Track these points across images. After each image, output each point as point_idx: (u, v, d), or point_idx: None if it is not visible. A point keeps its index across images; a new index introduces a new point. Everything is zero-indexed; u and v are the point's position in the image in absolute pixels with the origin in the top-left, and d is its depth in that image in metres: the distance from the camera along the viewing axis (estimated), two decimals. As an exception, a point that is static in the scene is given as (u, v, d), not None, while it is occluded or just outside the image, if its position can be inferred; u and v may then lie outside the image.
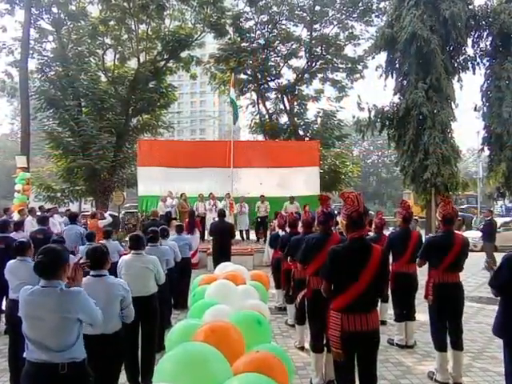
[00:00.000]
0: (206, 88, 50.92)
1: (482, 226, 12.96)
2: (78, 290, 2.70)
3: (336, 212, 4.68)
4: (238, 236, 12.80)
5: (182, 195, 13.59)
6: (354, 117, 19.79)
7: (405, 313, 5.50)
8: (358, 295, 3.04)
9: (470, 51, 19.20)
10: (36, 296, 2.62)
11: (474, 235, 15.26)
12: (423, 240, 5.38)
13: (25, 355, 2.64)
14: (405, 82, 18.67)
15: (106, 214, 11.04)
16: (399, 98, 18.96)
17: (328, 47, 22.01)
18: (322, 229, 4.26)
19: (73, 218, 8.82)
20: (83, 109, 18.99)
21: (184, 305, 6.99)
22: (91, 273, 3.40)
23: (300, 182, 14.96)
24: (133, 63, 21.35)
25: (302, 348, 5.39)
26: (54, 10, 19.10)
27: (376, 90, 32.65)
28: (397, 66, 19.16)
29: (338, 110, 22.15)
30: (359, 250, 3.13)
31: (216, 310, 3.48)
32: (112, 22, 19.77)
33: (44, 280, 2.65)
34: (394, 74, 19.39)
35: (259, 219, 13.87)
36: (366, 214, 3.18)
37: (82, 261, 3.19)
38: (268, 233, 11.02)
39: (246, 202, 13.90)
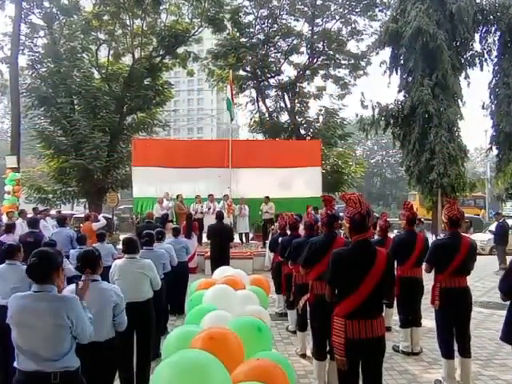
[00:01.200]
0: (203, 85, 50.90)
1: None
2: (73, 297, 2.69)
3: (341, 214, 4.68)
4: (237, 239, 12.78)
5: (178, 196, 13.59)
6: (357, 115, 19.86)
7: (410, 319, 5.49)
8: (363, 301, 3.03)
9: (477, 47, 19.29)
10: (28, 302, 2.61)
11: (482, 238, 15.29)
12: (429, 243, 5.38)
13: (15, 364, 2.62)
14: (410, 78, 18.71)
15: (100, 217, 11.00)
16: (404, 96, 18.99)
17: (330, 43, 22.03)
18: (326, 231, 4.26)
19: (62, 221, 8.81)
20: (76, 107, 18.98)
21: (181, 311, 6.99)
22: (82, 277, 3.38)
23: (301, 183, 14.94)
24: (127, 59, 21.35)
25: (304, 355, 5.38)
26: (46, 4, 19.14)
27: (380, 87, 32.69)
28: (401, 62, 19.20)
29: (340, 108, 22.17)
30: (363, 254, 3.12)
31: (214, 316, 3.47)
32: (106, 17, 19.77)
33: (36, 285, 2.64)
34: (399, 71, 19.44)
35: (264, 222, 13.84)
36: (369, 215, 3.17)
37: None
38: (270, 236, 10.99)
39: (245, 204, 13.89)
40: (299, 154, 15.35)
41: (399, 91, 19.33)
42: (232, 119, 15.95)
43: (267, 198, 13.88)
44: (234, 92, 16.73)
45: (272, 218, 13.37)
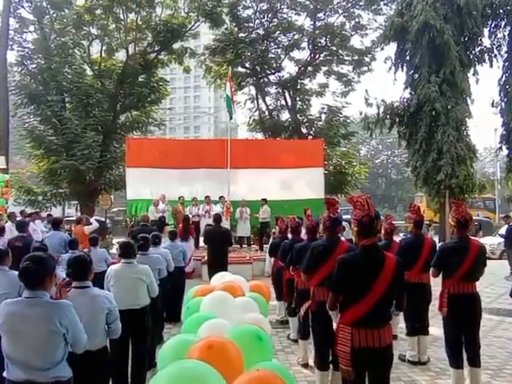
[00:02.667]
0: (200, 82, 51.02)
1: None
2: (67, 303, 2.70)
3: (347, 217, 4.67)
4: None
5: (180, 198, 13.68)
6: (361, 113, 19.88)
7: (417, 326, 5.48)
8: (370, 308, 3.02)
9: (486, 42, 19.32)
10: (20, 308, 2.61)
11: (491, 241, 15.31)
12: (437, 247, 5.38)
13: (5, 374, 2.62)
14: (416, 75, 18.74)
15: (92, 220, 10.99)
16: (410, 93, 19.03)
17: (333, 38, 22.04)
18: (329, 235, 4.25)
19: (56, 224, 8.79)
20: (67, 105, 19.02)
21: (177, 318, 6.98)
22: (73, 284, 3.37)
23: (303, 184, 14.95)
24: (121, 55, 21.38)
25: (306, 365, 5.38)
26: (36, -3, 19.18)
27: (385, 84, 32.73)
28: (407, 58, 19.25)
29: (343, 106, 22.20)
30: (371, 259, 3.11)
31: (212, 324, 3.47)
32: (98, 11, 19.81)
33: (29, 290, 2.64)
34: (405, 67, 19.48)
35: (260, 225, 13.88)
36: (377, 218, 3.17)
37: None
38: (270, 240, 10.98)
39: (246, 206, 13.91)
40: (301, 154, 15.37)
41: (405, 88, 19.38)
42: (231, 118, 15.97)
43: (264, 200, 13.88)
44: (233, 89, 16.75)
45: (267, 221, 13.42)
